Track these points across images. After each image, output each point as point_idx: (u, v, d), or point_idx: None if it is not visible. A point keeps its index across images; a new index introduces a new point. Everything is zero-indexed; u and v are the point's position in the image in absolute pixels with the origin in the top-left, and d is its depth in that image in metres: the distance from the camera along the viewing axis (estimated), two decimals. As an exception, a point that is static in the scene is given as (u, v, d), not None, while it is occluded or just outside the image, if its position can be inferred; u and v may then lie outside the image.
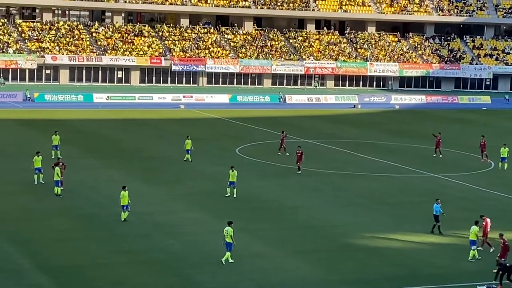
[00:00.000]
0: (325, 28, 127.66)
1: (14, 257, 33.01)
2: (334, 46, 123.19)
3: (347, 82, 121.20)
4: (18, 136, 65.78)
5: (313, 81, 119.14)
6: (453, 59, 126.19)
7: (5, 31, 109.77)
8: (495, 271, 32.05)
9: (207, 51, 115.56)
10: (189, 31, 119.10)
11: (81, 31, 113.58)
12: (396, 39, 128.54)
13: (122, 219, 38.72)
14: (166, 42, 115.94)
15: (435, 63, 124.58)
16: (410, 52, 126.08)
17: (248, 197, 45.41)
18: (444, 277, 32.35)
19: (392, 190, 49.26)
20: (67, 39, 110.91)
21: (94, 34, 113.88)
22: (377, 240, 37.48)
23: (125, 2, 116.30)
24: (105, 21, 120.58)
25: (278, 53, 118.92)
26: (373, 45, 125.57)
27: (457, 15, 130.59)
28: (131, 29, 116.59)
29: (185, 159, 55.57)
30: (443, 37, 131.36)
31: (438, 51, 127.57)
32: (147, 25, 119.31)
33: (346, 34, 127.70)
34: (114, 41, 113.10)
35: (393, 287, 31.13)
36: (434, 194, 47.83)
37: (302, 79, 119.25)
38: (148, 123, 77.26)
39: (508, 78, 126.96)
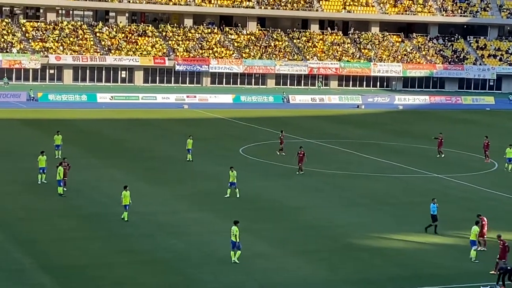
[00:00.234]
0: (328, 29, 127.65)
1: (16, 256, 33.04)
2: (337, 47, 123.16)
3: (351, 82, 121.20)
4: (22, 136, 65.85)
5: (316, 81, 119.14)
6: (456, 60, 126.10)
7: (9, 31, 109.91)
8: (492, 272, 32.04)
9: (210, 51, 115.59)
10: (192, 31, 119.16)
11: (85, 31, 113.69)
12: (400, 39, 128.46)
13: (126, 219, 38.72)
14: (170, 42, 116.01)
15: (438, 63, 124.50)
16: (414, 52, 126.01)
17: (251, 197, 45.42)
18: (447, 277, 32.31)
19: (395, 190, 49.23)
20: (71, 39, 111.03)
21: (98, 34, 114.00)
22: (380, 240, 37.45)
23: (129, 2, 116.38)
24: (109, 21, 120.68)
25: (281, 53, 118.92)
26: (377, 46, 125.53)
27: (460, 16, 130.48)
28: (134, 29, 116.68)
29: (188, 159, 55.58)
30: (446, 38, 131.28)
31: (441, 52, 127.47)
32: (150, 25, 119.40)
33: (350, 35, 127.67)
34: (118, 41, 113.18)
35: (396, 288, 31.19)
36: (437, 194, 47.76)
37: (306, 79, 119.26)
38: (151, 123, 77.30)
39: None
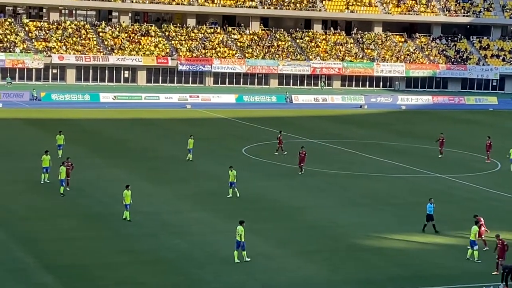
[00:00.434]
0: (331, 28, 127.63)
1: (19, 256, 33.09)
2: (340, 46, 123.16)
3: (354, 82, 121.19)
4: (25, 135, 65.94)
5: (319, 81, 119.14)
6: (459, 60, 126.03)
7: (12, 31, 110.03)
8: (494, 273, 32.05)
9: (213, 51, 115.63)
10: (195, 31, 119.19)
11: (88, 30, 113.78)
12: (403, 39, 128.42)
13: (128, 219, 38.76)
14: (173, 42, 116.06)
15: (441, 63, 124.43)
16: (417, 52, 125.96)
17: (253, 197, 45.45)
18: (449, 277, 32.32)
19: (398, 190, 49.22)
20: (74, 38, 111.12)
21: (101, 34, 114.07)
22: (381, 241, 37.46)
23: (132, 2, 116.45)
24: (112, 21, 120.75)
25: (284, 53, 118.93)
26: (380, 46, 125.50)
27: (464, 16, 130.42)
28: (137, 29, 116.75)
29: (188, 158, 55.61)
30: (449, 38, 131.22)
31: (444, 52, 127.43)
32: (153, 25, 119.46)
33: (353, 35, 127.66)
34: (121, 41, 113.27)
35: (398, 288, 31.20)
36: (440, 194, 47.85)
37: (309, 79, 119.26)
38: (154, 123, 77.35)
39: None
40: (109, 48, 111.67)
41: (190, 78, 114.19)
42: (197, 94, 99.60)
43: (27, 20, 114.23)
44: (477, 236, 34.62)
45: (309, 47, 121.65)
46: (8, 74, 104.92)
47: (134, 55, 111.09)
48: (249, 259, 32.98)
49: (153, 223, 38.96)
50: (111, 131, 70.43)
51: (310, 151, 56.69)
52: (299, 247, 35.88)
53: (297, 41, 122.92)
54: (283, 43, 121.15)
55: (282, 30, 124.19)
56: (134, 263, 32.62)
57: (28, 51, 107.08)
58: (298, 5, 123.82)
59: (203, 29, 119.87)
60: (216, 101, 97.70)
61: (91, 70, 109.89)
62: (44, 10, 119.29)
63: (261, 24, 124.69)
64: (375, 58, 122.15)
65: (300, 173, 52.41)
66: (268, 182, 49.73)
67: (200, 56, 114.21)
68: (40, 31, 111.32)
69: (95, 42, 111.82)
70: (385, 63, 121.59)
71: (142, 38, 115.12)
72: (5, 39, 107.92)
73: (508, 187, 51.22)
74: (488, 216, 42.31)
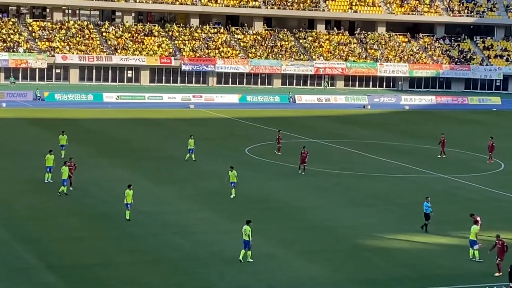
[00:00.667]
0: (335, 29, 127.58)
1: (23, 255, 33.11)
2: (344, 47, 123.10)
3: (357, 82, 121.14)
4: (28, 135, 66.00)
5: (322, 82, 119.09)
6: (463, 60, 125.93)
7: (16, 31, 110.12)
8: (496, 275, 32.00)
9: (217, 51, 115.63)
10: (199, 31, 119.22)
11: (91, 30, 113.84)
12: (406, 39, 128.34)
13: (128, 218, 38.74)
14: (176, 42, 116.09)
15: (445, 63, 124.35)
16: (420, 52, 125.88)
17: (256, 197, 45.45)
18: (452, 278, 32.29)
19: (401, 190, 49.18)
20: (77, 38, 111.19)
21: (104, 34, 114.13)
22: (385, 241, 37.44)
23: (135, 1, 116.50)
24: (115, 21, 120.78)
25: (288, 53, 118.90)
26: (383, 46, 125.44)
27: (467, 16, 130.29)
28: (141, 29, 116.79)
29: (186, 158, 55.56)
30: (453, 38, 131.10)
31: (448, 52, 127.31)
32: (157, 25, 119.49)
33: (356, 35, 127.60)
34: (124, 40, 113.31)
35: (402, 288, 31.18)
36: (443, 195, 47.87)
37: (312, 80, 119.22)
38: (157, 123, 77.36)
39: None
40: (113, 48, 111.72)
41: (194, 78, 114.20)
42: (200, 94, 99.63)
43: (31, 20, 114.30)
44: (477, 235, 34.57)
45: (312, 47, 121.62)
46: (11, 74, 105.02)
47: (138, 55, 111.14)
48: (252, 260, 32.96)
49: (156, 223, 38.96)
50: (115, 131, 70.46)
51: (313, 151, 56.65)
52: (303, 247, 35.87)
53: (301, 41, 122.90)
54: (287, 43, 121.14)
55: (286, 30, 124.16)
56: (138, 263, 32.63)
57: (32, 51, 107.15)
58: (301, 5, 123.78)
59: (206, 29, 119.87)
60: (219, 101, 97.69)
61: (94, 70, 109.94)
62: (48, 10, 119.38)
63: (265, 24, 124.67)
64: (379, 58, 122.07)
65: (302, 173, 52.29)
66: (271, 182, 49.71)
67: (204, 56, 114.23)
68: (43, 31, 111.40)
69: (98, 42, 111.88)
70: (388, 63, 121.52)
71: (146, 38, 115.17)
72: (9, 39, 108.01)
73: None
74: (492, 216, 42.36)
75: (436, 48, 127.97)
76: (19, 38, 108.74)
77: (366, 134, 74.38)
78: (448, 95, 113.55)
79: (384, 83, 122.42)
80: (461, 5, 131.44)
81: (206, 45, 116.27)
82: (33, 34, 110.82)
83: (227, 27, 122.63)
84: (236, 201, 43.87)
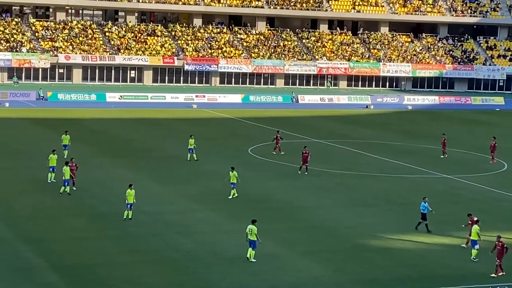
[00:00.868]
0: (338, 28, 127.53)
1: (26, 255, 33.13)
2: (347, 47, 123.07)
3: (360, 82, 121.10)
4: (31, 135, 66.04)
5: (325, 81, 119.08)
6: (466, 60, 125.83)
7: (19, 30, 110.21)
8: (500, 275, 31.99)
9: (220, 51, 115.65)
10: (202, 31, 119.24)
11: (94, 30, 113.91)
12: (409, 39, 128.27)
13: (129, 217, 38.75)
14: (179, 41, 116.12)
15: (448, 63, 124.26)
16: (423, 52, 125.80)
17: (259, 197, 45.45)
18: (455, 278, 32.26)
19: (404, 190, 49.14)
20: (81, 38, 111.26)
21: (107, 34, 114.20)
22: (388, 241, 37.42)
23: (138, 1, 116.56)
24: (118, 21, 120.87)
25: (291, 53, 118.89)
26: (386, 46, 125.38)
27: (470, 16, 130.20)
28: (144, 29, 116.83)
29: (189, 158, 55.59)
30: (456, 38, 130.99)
31: (451, 52, 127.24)
32: (160, 25, 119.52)
33: (359, 35, 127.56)
34: (127, 40, 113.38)
35: (404, 288, 31.16)
36: (446, 195, 47.86)
37: (315, 79, 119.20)
38: (160, 123, 77.39)
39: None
40: (116, 48, 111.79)
41: (196, 78, 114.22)
42: (203, 94, 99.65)
43: (34, 20, 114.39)
44: (479, 234, 34.55)
45: (315, 47, 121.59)
46: (14, 74, 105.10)
47: (141, 55, 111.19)
48: (255, 260, 32.97)
49: (158, 222, 38.97)
50: (117, 130, 70.49)
51: (316, 151, 56.65)
52: (305, 247, 35.86)
53: (303, 41, 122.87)
54: (289, 43, 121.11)
55: (288, 30, 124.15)
56: (139, 262, 32.63)
57: (35, 51, 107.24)
58: (304, 5, 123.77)
59: (209, 29, 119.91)
60: (222, 101, 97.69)
61: (97, 70, 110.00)
62: (51, 10, 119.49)
63: (267, 24, 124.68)
64: (382, 58, 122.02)
65: (305, 173, 52.26)
66: (273, 182, 49.71)
67: (206, 56, 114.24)
68: (46, 31, 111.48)
69: (101, 42, 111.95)
70: (391, 63, 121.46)
71: (149, 38, 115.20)
72: (12, 39, 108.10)
73: (515, 187, 51.15)
74: (494, 216, 42.36)
75: (439, 48, 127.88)
76: (22, 38, 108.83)
77: (369, 134, 74.35)
78: (451, 95, 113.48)
79: (387, 83, 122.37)
80: (464, 5, 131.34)
81: (209, 45, 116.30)
82: (36, 34, 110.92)
83: (230, 27, 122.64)
84: (238, 201, 43.86)
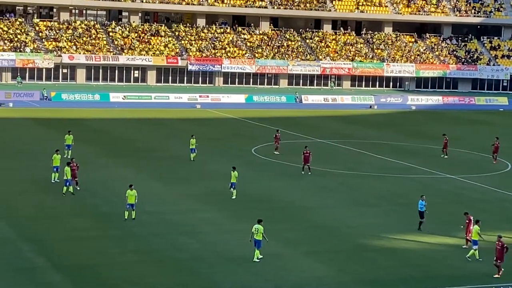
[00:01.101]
0: (341, 29, 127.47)
1: (29, 255, 33.15)
2: (350, 47, 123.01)
3: (364, 82, 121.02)
4: (35, 135, 66.09)
5: (329, 82, 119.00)
6: (470, 60, 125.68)
7: (23, 30, 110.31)
8: (496, 276, 31.92)
9: (223, 51, 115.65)
10: (205, 31, 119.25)
11: (98, 30, 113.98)
12: (413, 39, 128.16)
13: (132, 218, 38.74)
14: (183, 42, 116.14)
15: (452, 64, 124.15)
16: (427, 52, 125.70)
17: (262, 197, 45.43)
18: (459, 278, 32.21)
19: (407, 191, 49.07)
20: (84, 38, 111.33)
21: (111, 34, 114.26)
22: (392, 241, 37.38)
23: (142, 1, 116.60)
24: (122, 21, 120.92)
25: (294, 53, 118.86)
26: (390, 46, 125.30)
27: (474, 16, 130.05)
28: (147, 29, 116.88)
29: (192, 158, 55.57)
30: (460, 38, 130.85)
31: (455, 52, 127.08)
32: (163, 25, 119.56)
33: (363, 35, 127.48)
34: (131, 40, 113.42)
35: (407, 288, 31.13)
36: (449, 195, 47.82)
37: (319, 80, 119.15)
38: (164, 123, 77.40)
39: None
40: (119, 48, 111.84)
41: (200, 78, 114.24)
42: (207, 94, 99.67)
43: (38, 20, 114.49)
44: (480, 235, 34.50)
45: (319, 47, 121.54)
46: (18, 74, 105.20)
47: (144, 55, 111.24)
48: (258, 260, 32.96)
49: (161, 223, 38.96)
50: (121, 130, 70.52)
51: (319, 151, 56.63)
52: (308, 247, 35.84)
53: (307, 41, 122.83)
54: (293, 43, 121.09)
55: (292, 30, 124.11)
56: (142, 262, 32.63)
57: (39, 51, 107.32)
58: (308, 5, 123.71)
59: (213, 29, 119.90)
60: (226, 101, 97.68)
61: (101, 70, 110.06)
62: (55, 10, 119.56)
63: (271, 24, 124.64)
64: (385, 58, 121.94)
65: (308, 173, 52.25)
66: (277, 182, 49.69)
67: (210, 56, 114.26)
68: (50, 31, 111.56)
69: (105, 42, 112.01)
70: (395, 63, 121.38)
71: (152, 38, 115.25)
72: (16, 39, 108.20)
73: (518, 187, 51.07)
74: (497, 216, 42.33)
75: (443, 48, 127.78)
76: (26, 38, 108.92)
77: (373, 134, 74.29)
78: (455, 95, 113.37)
79: (391, 83, 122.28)
80: (468, 5, 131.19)
81: (212, 45, 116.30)
82: (40, 34, 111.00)
83: (234, 27, 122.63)
84: (241, 201, 43.84)
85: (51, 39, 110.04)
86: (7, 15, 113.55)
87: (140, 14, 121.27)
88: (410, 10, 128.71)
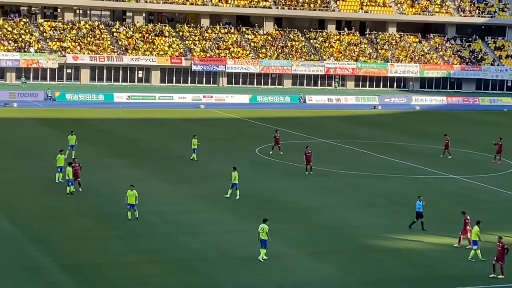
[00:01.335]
0: (345, 29, 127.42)
1: (34, 255, 33.20)
2: (354, 47, 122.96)
3: (368, 82, 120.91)
4: (39, 135, 66.18)
5: (333, 82, 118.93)
6: (474, 60, 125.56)
7: (27, 31, 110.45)
8: (500, 276, 31.88)
9: (227, 51, 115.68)
10: (209, 31, 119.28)
11: (102, 30, 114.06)
12: (417, 40, 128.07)
13: (136, 217, 38.75)
14: (187, 42, 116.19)
15: (456, 64, 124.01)
16: (431, 53, 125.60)
17: (266, 197, 45.44)
18: (463, 278, 32.21)
19: (412, 191, 48.97)
20: (88, 38, 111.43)
21: (115, 34, 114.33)
22: (396, 241, 37.38)
23: (146, 2, 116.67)
24: (126, 21, 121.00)
25: (298, 53, 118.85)
26: (394, 46, 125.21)
27: (478, 16, 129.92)
28: (151, 29, 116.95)
29: (196, 158, 55.59)
30: (464, 38, 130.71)
31: (459, 52, 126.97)
32: (167, 25, 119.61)
33: (367, 35, 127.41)
34: (135, 41, 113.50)
35: (411, 289, 31.12)
36: (454, 195, 47.79)
37: (322, 80, 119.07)
38: (168, 123, 77.45)
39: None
40: (123, 48, 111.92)
41: (204, 78, 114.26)
42: (210, 94, 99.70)
43: (42, 20, 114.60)
44: (478, 236, 34.47)
45: (323, 48, 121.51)
46: (22, 74, 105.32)
47: (148, 55, 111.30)
48: (263, 260, 32.96)
49: (165, 222, 39.00)
50: (125, 131, 70.59)
51: (323, 152, 56.65)
52: (312, 247, 35.85)
53: (311, 41, 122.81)
54: (297, 43, 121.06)
55: (296, 30, 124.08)
56: (147, 262, 32.67)
57: (43, 51, 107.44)
58: (312, 5, 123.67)
59: (217, 29, 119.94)
60: (230, 101, 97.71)
61: (105, 70, 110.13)
62: (59, 10, 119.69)
63: (275, 24, 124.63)
64: (389, 58, 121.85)
65: (307, 172, 52.24)
66: (280, 182, 49.71)
67: (214, 56, 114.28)
68: (54, 31, 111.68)
69: (109, 42, 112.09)
70: (399, 64, 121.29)
71: (156, 38, 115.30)
72: (20, 39, 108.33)
73: (522, 188, 51.02)
74: (500, 216, 42.30)
75: (447, 48, 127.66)
76: (30, 38, 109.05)
77: (376, 134, 74.26)
78: (459, 96, 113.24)
79: (395, 84, 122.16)
80: (472, 5, 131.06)
81: (216, 45, 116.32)
82: (44, 34, 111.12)
83: (238, 27, 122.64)
84: (245, 201, 43.86)
85: (56, 39, 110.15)
86: (12, 15, 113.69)
87: (144, 15, 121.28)
88: (414, 10, 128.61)
